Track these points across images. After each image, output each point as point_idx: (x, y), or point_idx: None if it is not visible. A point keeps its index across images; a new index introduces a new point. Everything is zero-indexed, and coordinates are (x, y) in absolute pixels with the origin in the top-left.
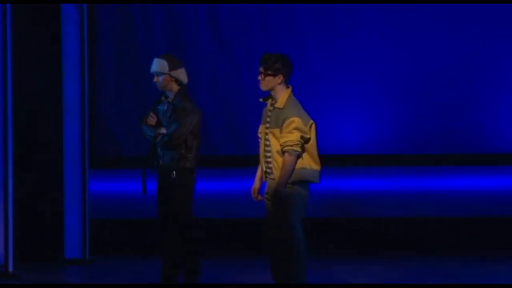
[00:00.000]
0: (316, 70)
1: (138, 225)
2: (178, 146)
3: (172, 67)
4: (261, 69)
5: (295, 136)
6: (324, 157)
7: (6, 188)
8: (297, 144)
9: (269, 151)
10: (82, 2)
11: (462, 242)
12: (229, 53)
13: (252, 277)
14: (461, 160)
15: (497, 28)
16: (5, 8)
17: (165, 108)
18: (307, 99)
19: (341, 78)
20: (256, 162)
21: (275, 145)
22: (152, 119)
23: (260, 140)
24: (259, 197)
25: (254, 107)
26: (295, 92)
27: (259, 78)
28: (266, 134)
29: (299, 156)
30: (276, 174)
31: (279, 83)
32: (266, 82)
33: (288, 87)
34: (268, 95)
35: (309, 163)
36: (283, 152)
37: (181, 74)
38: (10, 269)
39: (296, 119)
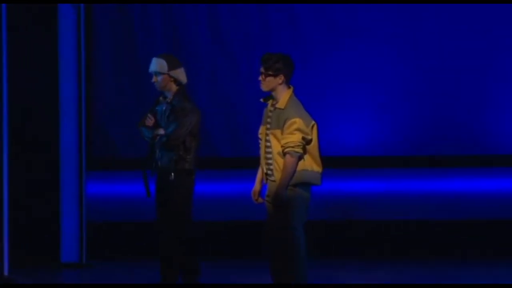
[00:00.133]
0: (317, 70)
1: (136, 227)
2: (176, 147)
3: (171, 66)
4: (262, 69)
5: (296, 137)
6: (325, 159)
7: (1, 190)
8: (298, 146)
9: (269, 153)
10: (79, 2)
11: (467, 244)
12: (229, 53)
13: (252, 279)
14: (465, 162)
15: (501, 28)
16: (0, 8)
17: (164, 108)
18: (309, 100)
19: (343, 78)
20: (256, 163)
21: (276, 147)
22: (150, 121)
23: (260, 141)
24: (260, 200)
25: (254, 107)
26: (296, 93)
27: (260, 78)
28: (267, 135)
29: (300, 157)
30: (277, 176)
31: (280, 83)
32: (267, 83)
33: (289, 87)
34: (269, 95)
35: (310, 164)
36: (284, 154)
37: (180, 74)
38: (6, 272)
39: (297, 120)
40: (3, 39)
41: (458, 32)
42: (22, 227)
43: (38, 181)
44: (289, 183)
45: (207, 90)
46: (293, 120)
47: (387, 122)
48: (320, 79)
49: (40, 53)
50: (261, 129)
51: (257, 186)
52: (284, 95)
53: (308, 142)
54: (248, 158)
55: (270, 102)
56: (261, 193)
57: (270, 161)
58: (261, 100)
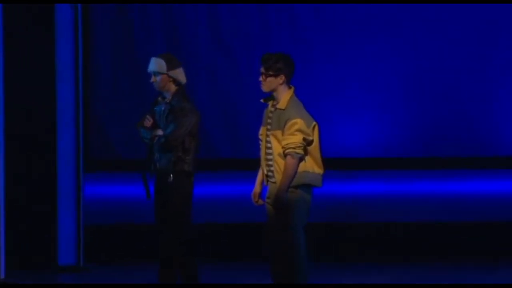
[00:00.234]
0: (318, 70)
1: (135, 230)
2: (175, 148)
3: (170, 66)
4: (262, 70)
5: (297, 138)
6: (327, 160)
7: None
8: (299, 147)
9: (270, 154)
10: (76, 2)
11: (470, 247)
12: (228, 53)
13: (252, 282)
14: (470, 163)
15: (503, 28)
16: None
17: (163, 109)
18: (310, 100)
19: (345, 78)
20: (256, 165)
21: (276, 148)
22: (148, 121)
23: (261, 143)
24: (260, 202)
25: (255, 108)
26: (296, 93)
27: (260, 79)
28: (267, 136)
29: (301, 159)
30: (277, 177)
31: (281, 84)
32: (268, 83)
33: (290, 88)
34: (269, 95)
35: (312, 166)
36: (285, 155)
37: (180, 74)
38: (2, 276)
39: (298, 120)
40: None
41: (460, 32)
42: (18, 230)
43: (35, 182)
44: (290, 185)
45: (207, 90)
46: (294, 121)
47: (389, 123)
48: (321, 79)
49: (37, 54)
50: (262, 130)
51: (257, 188)
52: (285, 95)
53: (309, 143)
54: (248, 160)
55: (270, 102)
56: (262, 195)
57: (270, 163)
58: (262, 100)
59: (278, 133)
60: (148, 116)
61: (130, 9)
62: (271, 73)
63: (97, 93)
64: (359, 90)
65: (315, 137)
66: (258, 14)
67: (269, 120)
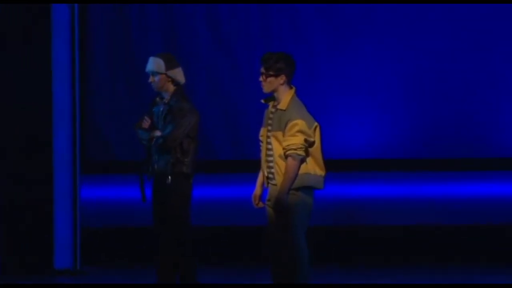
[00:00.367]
0: (319, 71)
1: (132, 233)
2: (173, 150)
3: (169, 66)
4: (262, 70)
5: (298, 140)
6: (329, 162)
7: None
8: (300, 148)
9: (271, 155)
10: (73, 2)
11: (474, 250)
12: (229, 52)
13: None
14: (474, 164)
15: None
16: None
17: (161, 109)
18: (311, 100)
19: (347, 78)
20: (257, 167)
21: (277, 149)
22: (146, 122)
23: (261, 144)
24: (261, 204)
25: (255, 108)
26: (298, 93)
27: (261, 79)
28: (268, 137)
29: (302, 160)
30: (278, 179)
31: (282, 84)
32: (268, 83)
33: (291, 88)
34: (270, 96)
35: (313, 168)
36: (286, 156)
37: (178, 74)
38: None
39: (299, 121)
40: None
41: (462, 32)
42: (14, 233)
43: (31, 184)
44: (291, 187)
45: (206, 90)
46: (295, 121)
47: (394, 124)
48: (322, 80)
49: (33, 54)
50: (262, 131)
51: (257, 190)
52: (285, 95)
53: (311, 144)
54: (249, 161)
55: (271, 103)
56: (262, 197)
57: (271, 164)
58: (262, 101)
59: (279, 134)
60: (146, 117)
61: (128, 9)
62: (271, 73)
63: (94, 94)
64: (361, 91)
65: (317, 138)
66: (259, 13)
67: (269, 121)
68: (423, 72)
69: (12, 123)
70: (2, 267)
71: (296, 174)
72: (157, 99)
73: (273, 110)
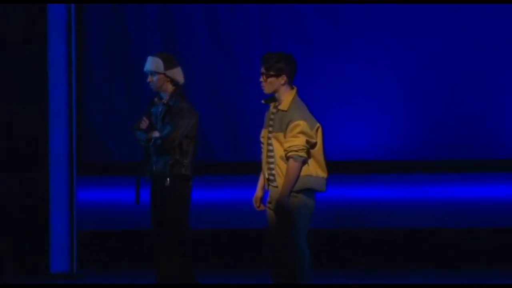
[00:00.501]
0: (321, 71)
1: (130, 236)
2: (172, 151)
3: (168, 66)
4: (263, 70)
5: (300, 141)
6: (331, 164)
7: None
8: (302, 149)
9: (272, 157)
10: (69, 2)
11: (476, 252)
12: (228, 52)
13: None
14: (476, 167)
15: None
16: None
17: (160, 110)
18: (311, 101)
19: (349, 79)
20: (257, 169)
21: (278, 151)
22: (144, 123)
23: (262, 145)
24: (262, 207)
25: (256, 109)
26: (300, 94)
27: (261, 79)
28: (269, 138)
29: (304, 162)
30: (279, 181)
31: (283, 84)
32: (269, 84)
33: (292, 88)
34: (271, 96)
35: (315, 170)
36: (287, 158)
37: (177, 74)
38: None
39: (301, 122)
40: None
41: (465, 33)
42: (8, 236)
43: (26, 186)
44: (292, 189)
45: (206, 90)
46: (296, 122)
47: (397, 124)
48: (324, 80)
49: (29, 55)
50: (263, 132)
51: (258, 192)
52: (287, 96)
53: (313, 145)
54: (249, 163)
55: (272, 104)
56: (264, 199)
57: (272, 166)
58: (263, 101)
59: (280, 135)
60: (144, 118)
61: (125, 8)
62: (272, 73)
63: (91, 95)
64: (361, 91)
65: (319, 139)
66: (258, 13)
67: (271, 122)
68: (423, 72)
69: (7, 123)
70: None
71: (298, 176)
72: (156, 99)
73: (274, 111)
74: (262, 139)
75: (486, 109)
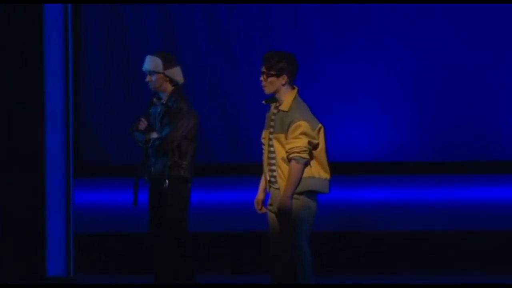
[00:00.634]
0: (322, 71)
1: (128, 239)
2: (171, 152)
3: (167, 65)
4: (263, 69)
5: (302, 142)
6: (334, 165)
7: None
8: (304, 151)
9: (273, 159)
10: (66, 2)
11: (476, 255)
12: (228, 52)
13: None
14: (479, 168)
15: None
16: None
17: (158, 110)
18: (310, 101)
19: (351, 79)
20: (258, 170)
21: (280, 152)
22: (142, 124)
23: (263, 147)
24: (263, 209)
25: (256, 110)
26: (301, 94)
27: (261, 79)
28: (270, 139)
29: (306, 163)
30: (280, 183)
31: (284, 84)
32: (269, 84)
33: (293, 88)
34: (272, 96)
35: (317, 171)
36: (289, 160)
37: (177, 74)
38: None
39: (303, 123)
40: None
41: (466, 34)
42: (4, 240)
43: (22, 189)
44: (294, 191)
45: (206, 90)
46: (298, 123)
47: (400, 125)
48: (325, 80)
49: (25, 55)
50: (264, 133)
51: (260, 194)
52: (288, 96)
53: (315, 146)
54: (250, 165)
55: (273, 104)
56: (265, 202)
57: (273, 168)
58: (264, 102)
59: (282, 136)
60: (142, 118)
61: (123, 8)
62: (272, 72)
63: (88, 96)
64: (369, 91)
65: (321, 140)
66: (258, 13)
67: (271, 123)
68: (423, 72)
69: (3, 124)
70: None
71: (300, 178)
72: (155, 99)
73: (275, 111)
74: (263, 140)
75: (486, 109)
